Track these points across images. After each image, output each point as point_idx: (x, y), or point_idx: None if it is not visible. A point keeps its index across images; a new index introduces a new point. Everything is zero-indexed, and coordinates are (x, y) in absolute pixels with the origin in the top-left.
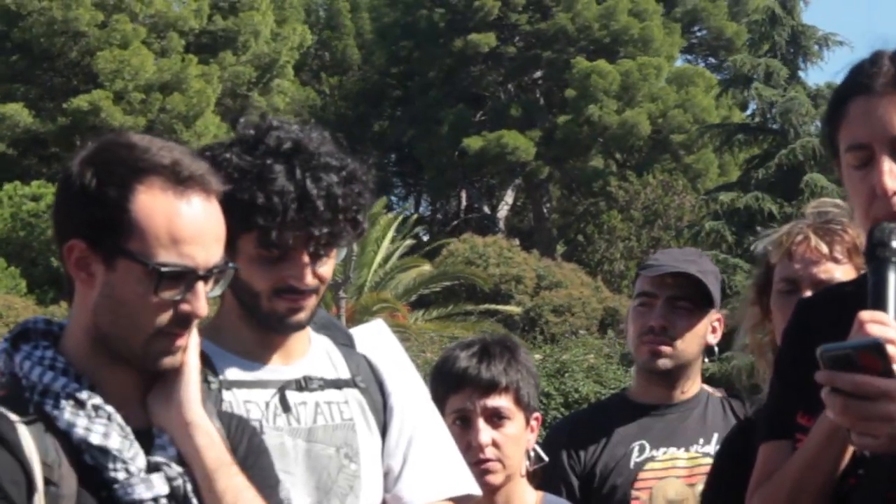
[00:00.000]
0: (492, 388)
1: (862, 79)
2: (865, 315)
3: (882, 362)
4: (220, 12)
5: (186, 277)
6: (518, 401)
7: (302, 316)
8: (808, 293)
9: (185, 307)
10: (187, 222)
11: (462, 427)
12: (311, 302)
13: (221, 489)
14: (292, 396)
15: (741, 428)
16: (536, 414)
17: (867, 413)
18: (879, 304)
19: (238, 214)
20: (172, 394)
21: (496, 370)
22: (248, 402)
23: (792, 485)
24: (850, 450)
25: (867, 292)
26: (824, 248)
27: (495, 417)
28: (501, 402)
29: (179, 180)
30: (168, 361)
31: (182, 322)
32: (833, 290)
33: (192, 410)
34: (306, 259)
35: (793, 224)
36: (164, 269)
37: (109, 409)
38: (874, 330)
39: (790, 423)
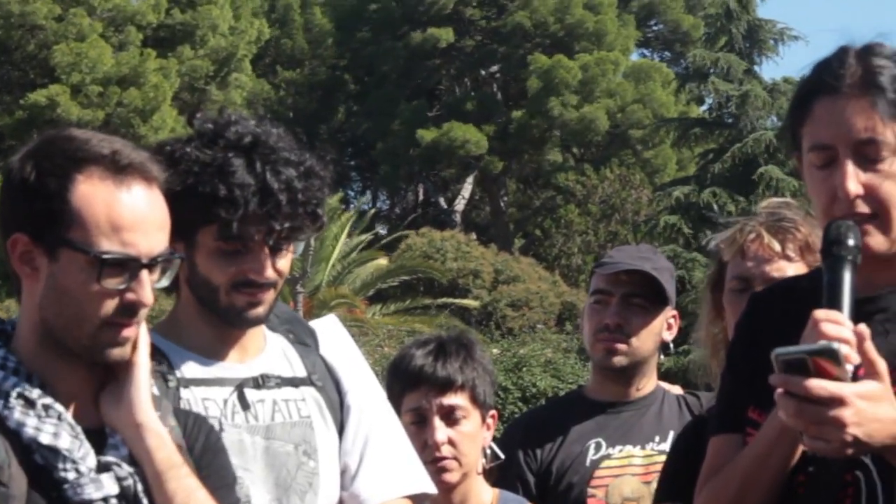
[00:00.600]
0: (447, 386)
1: (828, 78)
2: (820, 314)
3: (836, 367)
4: (178, 6)
5: (129, 266)
6: (474, 399)
7: (260, 310)
8: None
9: (129, 296)
10: (128, 210)
11: (418, 425)
12: (270, 296)
13: (172, 490)
14: (250, 394)
15: (694, 424)
16: (492, 412)
17: (820, 417)
18: (834, 302)
19: (198, 207)
20: (123, 394)
21: (452, 368)
22: (207, 400)
23: (741, 479)
24: (801, 447)
25: (822, 289)
26: (777, 246)
27: (451, 415)
28: (457, 400)
29: (119, 169)
30: (116, 353)
31: (128, 311)
32: (785, 284)
33: (142, 411)
34: (266, 252)
35: (745, 222)
36: (105, 257)
37: (60, 408)
38: (828, 329)
39: (741, 417)
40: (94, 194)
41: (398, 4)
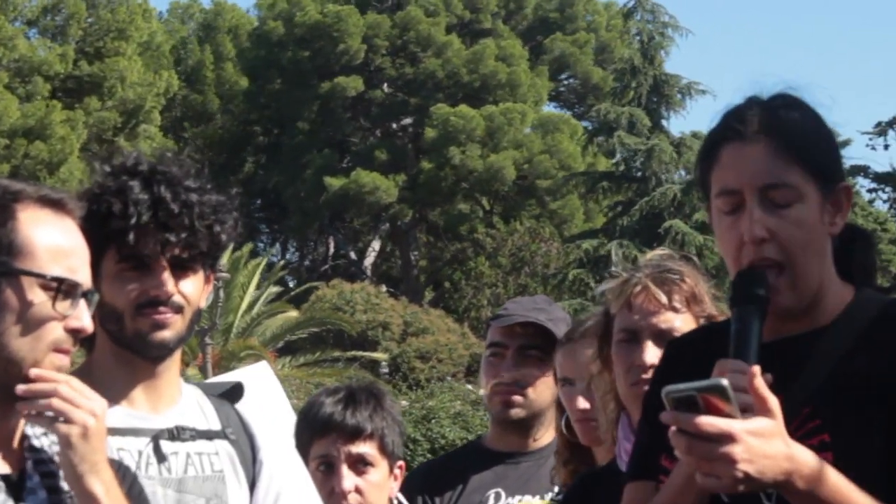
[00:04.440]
0: (356, 434)
1: (734, 124)
2: (727, 364)
3: (725, 404)
4: (85, 57)
5: (75, 292)
6: (382, 448)
7: (166, 334)
8: (649, 343)
9: (74, 323)
10: (68, 239)
11: (325, 473)
12: (177, 321)
13: None
14: (165, 446)
15: (582, 478)
16: (400, 462)
17: (710, 454)
18: (741, 352)
19: (97, 230)
20: (64, 463)
21: (361, 416)
22: (122, 450)
23: None
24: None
25: (729, 338)
26: (663, 298)
27: (360, 464)
28: (366, 448)
29: (51, 203)
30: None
31: (74, 337)
32: (699, 332)
33: (68, 474)
34: (167, 271)
35: (631, 273)
36: (60, 281)
37: None
38: (733, 378)
39: (654, 464)
40: (37, 223)
41: (310, 55)
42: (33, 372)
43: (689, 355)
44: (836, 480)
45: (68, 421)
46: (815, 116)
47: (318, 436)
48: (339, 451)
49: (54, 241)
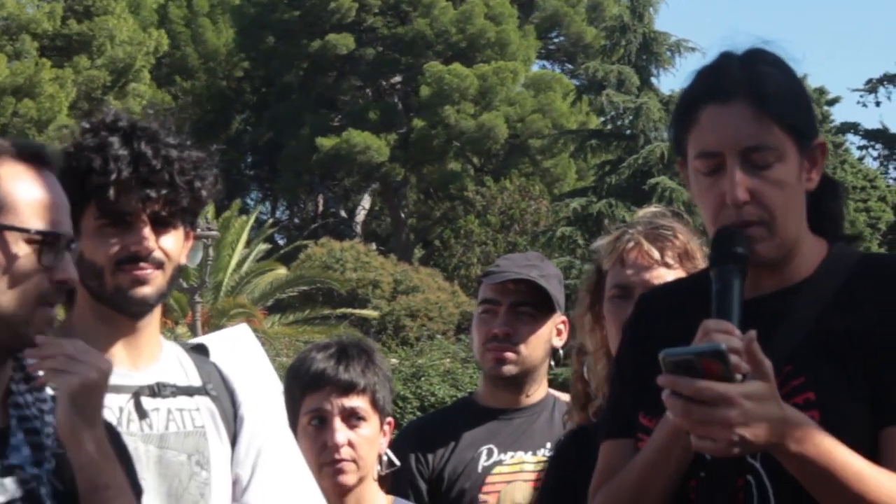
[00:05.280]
0: (350, 388)
1: (714, 85)
2: (710, 324)
3: (723, 368)
4: (74, 16)
5: (59, 244)
6: (374, 403)
7: (147, 290)
8: None
9: (61, 275)
10: (48, 192)
11: (318, 427)
12: (157, 277)
13: None
14: (146, 402)
15: (574, 433)
16: (389, 418)
17: (707, 417)
18: (724, 312)
19: (77, 187)
20: (61, 414)
21: (354, 371)
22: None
23: (635, 486)
24: (692, 452)
25: (711, 298)
26: (656, 254)
27: (352, 418)
28: (358, 402)
29: (28, 156)
30: (47, 331)
31: (60, 289)
32: (670, 287)
33: (63, 432)
34: (147, 226)
35: (623, 230)
36: (45, 234)
37: None
38: (719, 339)
39: (631, 422)
40: (17, 177)
41: (300, 14)
42: (39, 339)
43: (659, 310)
44: (826, 442)
45: (72, 373)
46: (790, 73)
47: (311, 390)
48: (333, 404)
49: (35, 195)
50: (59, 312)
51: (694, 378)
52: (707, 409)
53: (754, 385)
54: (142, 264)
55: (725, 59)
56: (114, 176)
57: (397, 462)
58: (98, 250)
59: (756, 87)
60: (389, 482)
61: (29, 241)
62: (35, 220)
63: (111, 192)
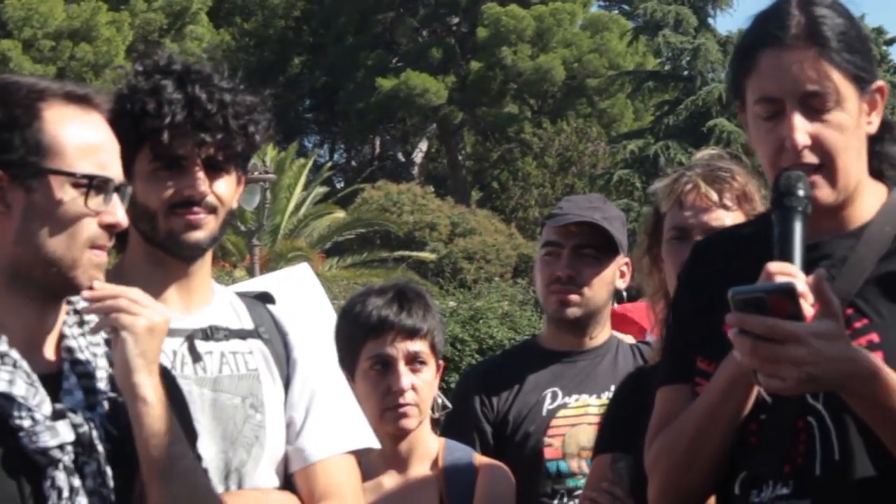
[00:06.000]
0: (414, 333)
1: (773, 30)
2: (774, 266)
3: (792, 306)
4: None
5: (106, 188)
6: (433, 347)
7: (200, 234)
8: None
9: (108, 218)
10: (97, 135)
11: (381, 372)
12: (210, 221)
13: (154, 458)
14: (200, 345)
15: (636, 375)
16: (441, 361)
17: (776, 355)
18: (786, 254)
19: (131, 129)
20: (118, 356)
21: (417, 316)
22: None
23: (695, 430)
24: (753, 396)
25: (773, 241)
26: (714, 196)
27: (415, 362)
28: (420, 346)
29: (76, 99)
30: (97, 275)
31: (109, 233)
32: (727, 233)
33: (124, 375)
34: (201, 171)
35: (681, 172)
36: (91, 178)
37: (15, 355)
38: (784, 280)
39: (689, 367)
40: (63, 121)
41: None
42: (97, 284)
43: (716, 258)
44: (893, 381)
45: (138, 315)
46: (849, 16)
47: (373, 335)
48: (398, 349)
49: (82, 138)
50: (111, 255)
51: (763, 316)
52: (776, 347)
53: (824, 324)
54: (195, 209)
55: (784, 3)
56: (168, 119)
57: (449, 405)
58: (151, 194)
59: (814, 31)
60: (442, 424)
61: (75, 185)
62: (82, 164)
63: (165, 135)
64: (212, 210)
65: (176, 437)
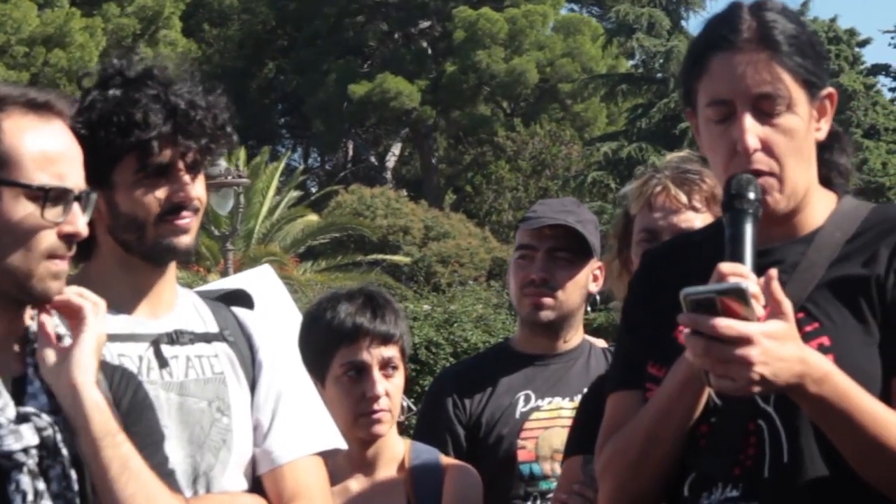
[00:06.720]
0: (388, 339)
1: (725, 33)
2: (725, 267)
3: (743, 307)
4: None
5: (65, 198)
6: (402, 351)
7: (187, 239)
8: None
9: (67, 228)
10: (55, 144)
11: (355, 378)
12: (195, 224)
13: (107, 458)
14: (165, 350)
15: (601, 380)
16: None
17: (727, 356)
18: (737, 255)
19: (113, 140)
20: (65, 354)
21: (390, 322)
22: (122, 356)
23: (646, 433)
24: (704, 398)
25: (724, 243)
26: (683, 198)
27: (389, 368)
28: (393, 352)
29: (36, 106)
30: (55, 287)
31: (67, 243)
32: (677, 240)
33: (80, 374)
34: (185, 173)
35: (651, 174)
36: (47, 189)
37: None
38: (735, 281)
39: (640, 373)
40: (21, 131)
41: None
42: (57, 300)
43: (667, 264)
44: (844, 383)
45: (98, 323)
46: (800, 21)
47: (347, 342)
48: (372, 355)
49: (40, 148)
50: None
51: (714, 317)
52: (728, 347)
53: (775, 324)
54: (184, 213)
55: (735, 7)
56: (156, 130)
57: (413, 407)
58: (139, 204)
59: (766, 34)
60: (415, 426)
61: (31, 197)
62: (39, 175)
63: (154, 145)
64: (196, 211)
65: (124, 437)
